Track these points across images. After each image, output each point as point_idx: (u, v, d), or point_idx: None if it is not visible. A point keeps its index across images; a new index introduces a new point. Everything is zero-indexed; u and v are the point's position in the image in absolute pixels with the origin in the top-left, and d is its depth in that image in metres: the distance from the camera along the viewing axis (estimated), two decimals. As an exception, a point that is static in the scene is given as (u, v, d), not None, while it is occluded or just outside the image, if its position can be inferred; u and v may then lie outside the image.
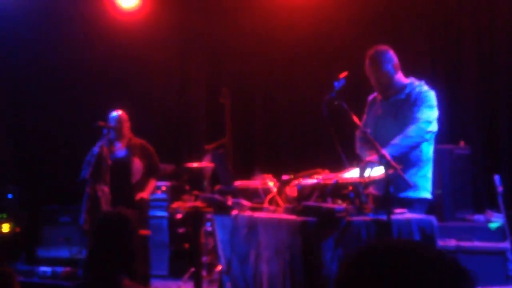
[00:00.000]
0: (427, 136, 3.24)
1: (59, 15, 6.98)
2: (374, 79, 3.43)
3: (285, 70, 6.81)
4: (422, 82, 3.41)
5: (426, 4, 6.04)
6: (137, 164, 5.13)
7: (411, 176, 3.03)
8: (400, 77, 3.42)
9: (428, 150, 3.33)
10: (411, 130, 3.17)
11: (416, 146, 3.16)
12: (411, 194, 3.19)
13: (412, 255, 0.95)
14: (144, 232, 4.79)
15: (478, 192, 5.33)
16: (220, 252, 3.71)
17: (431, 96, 3.32)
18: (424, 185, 3.29)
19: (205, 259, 5.24)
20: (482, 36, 5.82)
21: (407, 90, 3.37)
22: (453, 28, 5.97)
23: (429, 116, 3.24)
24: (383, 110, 3.46)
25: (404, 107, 3.34)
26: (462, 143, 5.20)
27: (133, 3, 6.79)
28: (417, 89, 3.34)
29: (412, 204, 3.15)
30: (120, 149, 5.19)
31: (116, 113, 5.21)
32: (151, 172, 5.26)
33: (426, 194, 3.34)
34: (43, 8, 6.90)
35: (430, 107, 3.27)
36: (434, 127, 3.28)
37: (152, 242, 5.47)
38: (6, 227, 6.52)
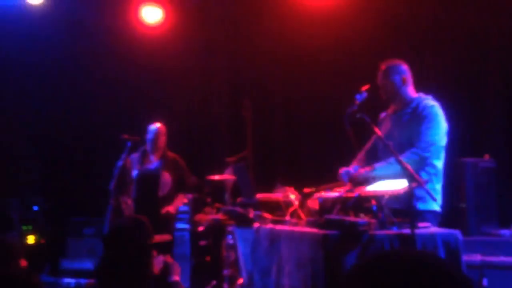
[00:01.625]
0: (422, 162, 3.24)
1: (85, 30, 7.14)
2: (381, 89, 3.47)
3: (306, 82, 6.82)
4: (429, 97, 3.43)
5: (450, 17, 6.00)
6: (166, 178, 5.17)
7: (419, 189, 2.99)
8: (409, 91, 3.47)
9: (437, 163, 3.33)
10: (406, 159, 3.07)
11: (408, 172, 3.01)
12: (420, 206, 3.17)
13: (419, 266, 0.97)
14: (163, 237, 4.81)
15: (504, 206, 5.22)
16: (242, 265, 3.71)
17: (435, 112, 3.32)
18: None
19: (226, 272, 5.23)
20: (507, 47, 5.75)
21: (413, 104, 3.41)
22: (477, 40, 5.91)
23: (432, 138, 3.26)
24: (391, 124, 3.50)
25: (409, 122, 3.38)
26: (486, 156, 5.12)
27: (157, 19, 6.91)
28: (422, 104, 3.36)
29: (423, 215, 3.13)
30: (153, 162, 5.25)
31: (155, 125, 5.27)
32: (181, 187, 5.29)
33: (436, 207, 3.31)
34: (69, 24, 7.07)
35: (433, 126, 3.28)
36: (440, 142, 3.31)
37: (174, 254, 5.50)
38: (31, 239, 6.63)
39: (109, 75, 7.23)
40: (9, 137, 7.33)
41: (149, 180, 5.09)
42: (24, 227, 6.64)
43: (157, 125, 5.29)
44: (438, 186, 3.36)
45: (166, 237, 4.94)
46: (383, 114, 3.68)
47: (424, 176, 3.25)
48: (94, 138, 7.27)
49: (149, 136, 5.20)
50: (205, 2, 7.07)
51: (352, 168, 3.42)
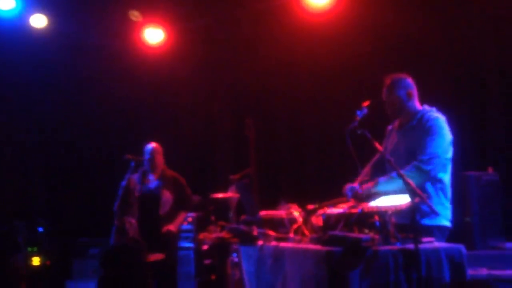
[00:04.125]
0: (425, 175, 3.22)
1: (89, 51, 7.23)
2: (387, 104, 3.48)
3: (308, 100, 6.86)
4: (433, 109, 3.43)
5: (450, 30, 6.04)
6: (167, 196, 5.20)
7: (425, 204, 2.97)
8: (414, 104, 3.47)
9: (444, 176, 3.32)
10: (409, 172, 3.10)
11: (409, 186, 2.85)
12: (427, 221, 3.16)
13: None
14: (156, 256, 4.80)
15: (509, 219, 5.20)
16: (247, 283, 3.69)
17: (439, 123, 3.31)
18: (442, 213, 3.25)
19: (232, 290, 5.21)
20: (508, 58, 5.77)
21: (418, 117, 3.41)
22: (477, 52, 5.94)
23: (434, 151, 3.24)
24: (398, 138, 3.50)
25: (414, 135, 3.37)
26: (490, 170, 5.12)
27: (159, 39, 6.99)
28: (426, 116, 3.36)
29: (431, 231, 3.12)
30: (152, 181, 5.27)
31: (150, 145, 5.34)
32: (181, 205, 5.30)
33: (445, 222, 3.31)
34: (72, 46, 7.16)
35: (436, 139, 3.26)
36: (444, 155, 3.28)
37: (178, 273, 5.48)
38: (36, 260, 6.63)
39: (112, 96, 7.30)
40: (14, 161, 7.38)
41: (149, 199, 5.11)
42: (29, 249, 6.65)
43: (152, 144, 5.35)
44: (447, 201, 3.34)
45: (159, 256, 4.94)
46: (390, 127, 3.68)
47: (430, 190, 3.25)
48: (97, 159, 7.31)
49: (146, 156, 5.26)
50: (206, 22, 7.16)
51: (357, 184, 3.42)
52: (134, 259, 2.62)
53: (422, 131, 3.32)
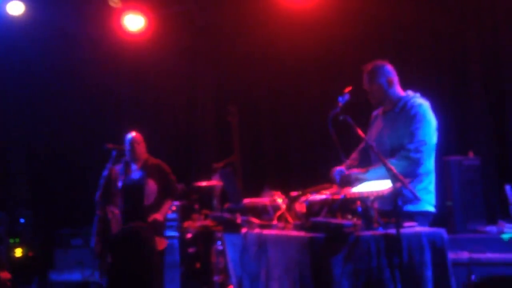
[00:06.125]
0: (415, 163, 3.22)
1: (67, 39, 7.10)
2: (369, 92, 3.47)
3: (291, 87, 6.85)
4: (417, 95, 3.43)
5: (430, 16, 6.06)
6: (152, 186, 5.14)
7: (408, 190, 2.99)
8: (396, 91, 3.46)
9: (428, 162, 3.33)
10: (398, 162, 3.12)
11: (392, 172, 2.82)
12: (411, 207, 3.18)
13: None
14: (162, 243, 4.79)
15: (490, 203, 5.27)
16: (231, 271, 3.70)
17: (424, 110, 3.31)
18: (425, 198, 3.27)
19: (216, 278, 5.21)
20: (488, 45, 5.81)
21: (401, 104, 3.40)
22: (458, 38, 5.97)
23: (422, 138, 3.23)
24: (382, 124, 3.50)
25: (398, 121, 3.37)
26: (471, 154, 5.17)
27: (139, 26, 6.90)
28: (410, 102, 3.36)
29: (413, 217, 3.14)
30: (135, 171, 5.21)
31: (130, 135, 5.26)
32: (167, 192, 5.25)
33: (428, 207, 3.32)
34: (50, 34, 7.03)
35: (423, 126, 3.26)
36: (431, 141, 3.29)
37: (164, 262, 5.47)
38: (19, 252, 6.57)
39: (93, 84, 7.21)
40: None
41: (134, 191, 5.05)
42: (11, 240, 6.58)
43: (132, 134, 5.26)
44: (431, 186, 3.35)
45: (164, 242, 4.93)
46: (375, 112, 3.68)
47: (414, 176, 3.25)
48: (79, 148, 7.23)
49: (126, 146, 5.18)
50: (187, 8, 7.07)
51: (344, 168, 3.42)
52: (145, 246, 2.57)
53: (407, 118, 3.31)
